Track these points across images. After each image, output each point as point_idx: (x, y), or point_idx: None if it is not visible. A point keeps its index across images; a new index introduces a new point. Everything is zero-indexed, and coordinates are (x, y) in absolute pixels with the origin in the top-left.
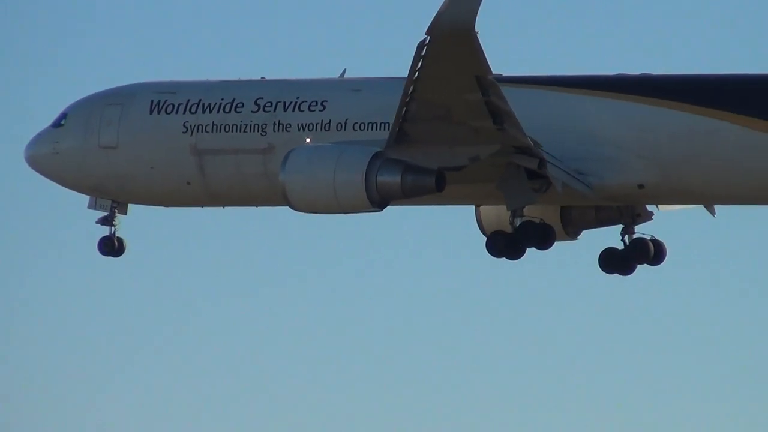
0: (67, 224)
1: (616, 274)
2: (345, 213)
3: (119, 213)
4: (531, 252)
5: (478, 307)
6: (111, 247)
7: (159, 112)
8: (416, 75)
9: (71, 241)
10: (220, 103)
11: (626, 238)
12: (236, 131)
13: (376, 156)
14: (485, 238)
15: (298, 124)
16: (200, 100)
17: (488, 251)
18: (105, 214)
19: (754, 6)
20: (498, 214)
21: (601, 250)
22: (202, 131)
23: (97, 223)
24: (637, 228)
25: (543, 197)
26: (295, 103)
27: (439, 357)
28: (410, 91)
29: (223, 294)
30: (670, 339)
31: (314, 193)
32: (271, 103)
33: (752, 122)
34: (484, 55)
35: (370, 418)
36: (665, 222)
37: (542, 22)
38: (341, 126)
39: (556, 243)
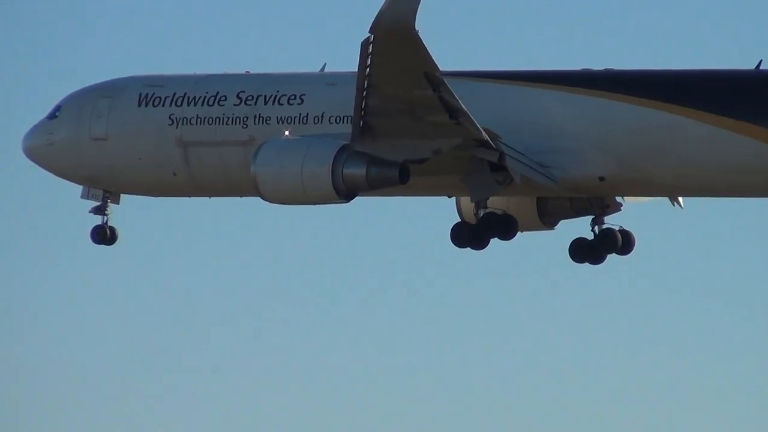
0: (61, 213)
1: (586, 264)
2: (313, 204)
3: (112, 202)
4: (501, 242)
5: (447, 297)
6: (103, 235)
7: (147, 105)
8: (368, 71)
9: (65, 230)
10: (204, 97)
11: (596, 228)
12: (219, 124)
13: (342, 149)
14: (450, 229)
15: (277, 117)
16: (185, 94)
17: (452, 242)
18: (98, 203)
19: (715, 2)
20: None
21: (572, 241)
22: (186, 123)
23: (90, 212)
24: (606, 219)
25: (506, 189)
26: (275, 96)
27: (406, 347)
28: (365, 87)
29: (209, 283)
30: (639, 327)
31: (283, 184)
32: (253, 97)
33: (707, 117)
34: (428, 52)
35: (336, 407)
36: (635, 213)
37: (511, 17)
38: (318, 119)
39: (533, 233)
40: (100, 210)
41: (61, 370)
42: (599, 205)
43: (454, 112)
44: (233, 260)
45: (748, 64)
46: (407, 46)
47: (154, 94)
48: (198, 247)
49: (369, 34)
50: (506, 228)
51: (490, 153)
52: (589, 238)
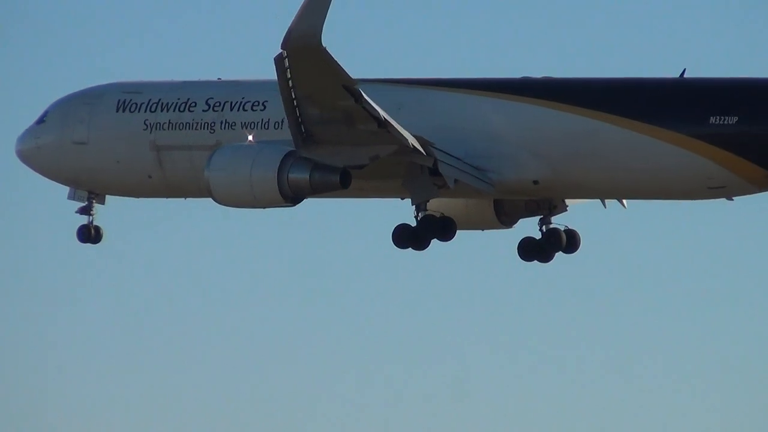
0: (51, 213)
1: (535, 261)
2: (262, 207)
3: (97, 203)
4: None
5: (393, 295)
6: (88, 235)
7: (124, 110)
8: (291, 84)
9: (54, 229)
10: (176, 103)
11: (543, 228)
12: (189, 129)
13: (288, 155)
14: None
15: (241, 123)
16: (159, 100)
17: (394, 243)
18: (83, 204)
19: (649, 14)
20: (440, 205)
21: (520, 240)
22: (160, 129)
23: (76, 212)
24: (553, 219)
25: (445, 192)
26: (240, 103)
27: (350, 344)
28: (293, 98)
29: (182, 280)
30: (585, 322)
31: (233, 188)
32: (220, 103)
33: (631, 123)
34: (338, 65)
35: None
36: (583, 213)
37: (458, 25)
38: (278, 124)
39: (487, 231)
40: (85, 210)
41: (43, 364)
42: (546, 205)
43: (379, 121)
44: (201, 259)
45: (674, 73)
46: (319, 61)
47: (130, 100)
48: (174, 246)
49: (281, 50)
50: (444, 230)
51: (426, 159)
52: (537, 238)
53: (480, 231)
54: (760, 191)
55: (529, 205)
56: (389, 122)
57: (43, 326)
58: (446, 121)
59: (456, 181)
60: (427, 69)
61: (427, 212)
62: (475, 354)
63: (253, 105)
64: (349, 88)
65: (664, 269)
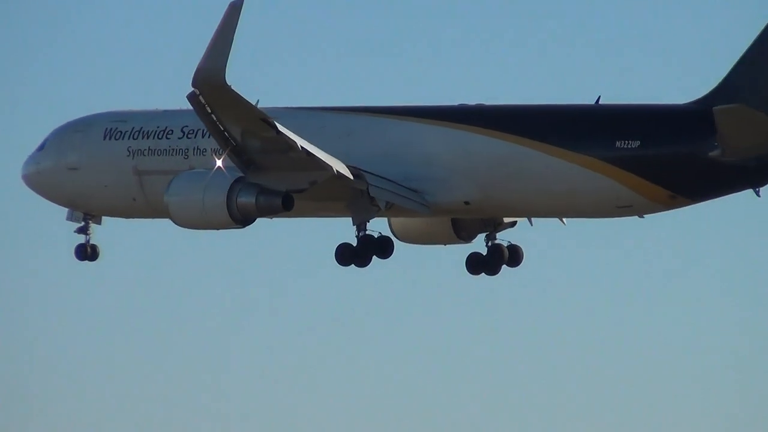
0: (52, 232)
1: (483, 274)
2: (215, 229)
3: (94, 223)
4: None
5: (341, 310)
6: (85, 253)
7: (110, 138)
8: (215, 118)
9: (55, 248)
10: (155, 131)
11: (489, 243)
12: (166, 155)
13: (237, 180)
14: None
15: (211, 149)
16: (141, 128)
17: (336, 260)
18: (80, 224)
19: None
20: (404, 223)
21: (467, 255)
22: (141, 155)
23: (74, 232)
24: (500, 235)
25: (383, 213)
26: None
27: (301, 360)
28: (222, 131)
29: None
30: (532, 330)
31: (188, 212)
32: (193, 131)
33: (549, 148)
34: (245, 102)
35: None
36: (529, 229)
37: (405, 56)
38: None
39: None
40: (82, 230)
41: (41, 366)
42: (491, 223)
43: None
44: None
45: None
46: (228, 98)
47: (116, 128)
48: (162, 263)
49: (192, 89)
50: (381, 248)
51: (360, 183)
52: (483, 253)
53: (443, 246)
54: (667, 210)
55: (485, 222)
56: (309, 150)
57: (42, 333)
58: (389, 147)
59: (388, 203)
60: (379, 97)
61: (366, 232)
62: (422, 361)
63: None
64: (266, 120)
65: (604, 281)
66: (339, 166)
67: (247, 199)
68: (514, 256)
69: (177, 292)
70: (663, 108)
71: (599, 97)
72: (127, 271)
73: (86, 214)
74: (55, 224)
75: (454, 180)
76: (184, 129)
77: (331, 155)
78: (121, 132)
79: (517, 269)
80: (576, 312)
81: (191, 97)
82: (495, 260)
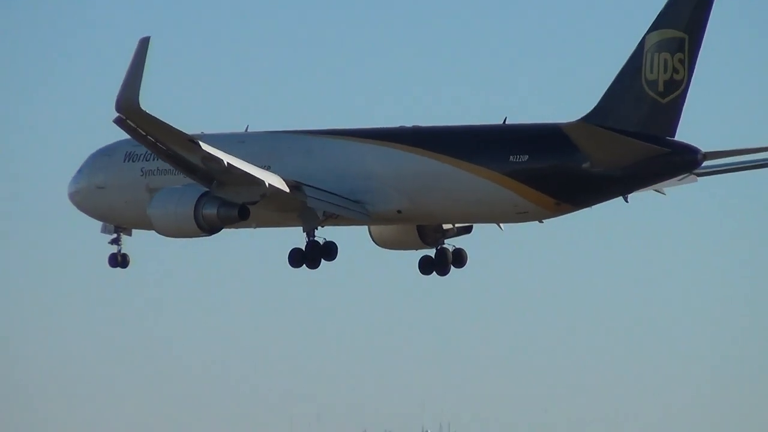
0: (92, 243)
1: (434, 274)
2: (188, 238)
3: (125, 234)
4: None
5: (296, 307)
6: (116, 261)
7: (129, 160)
8: (152, 139)
9: (91, 256)
10: None
11: (437, 247)
12: (170, 174)
13: (204, 194)
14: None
15: None
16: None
17: (289, 263)
18: (113, 236)
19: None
20: (380, 231)
21: (419, 257)
22: (151, 174)
23: (108, 243)
24: (455, 240)
25: (329, 221)
26: None
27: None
28: (165, 150)
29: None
30: (471, 322)
31: (164, 222)
32: None
33: (460, 163)
34: (166, 125)
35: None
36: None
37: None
38: None
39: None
40: (115, 241)
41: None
42: (440, 230)
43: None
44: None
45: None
46: (152, 121)
47: (134, 152)
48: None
49: (118, 114)
50: (326, 252)
51: (300, 195)
52: (432, 256)
53: (414, 251)
54: (556, 215)
55: (437, 229)
56: (235, 166)
57: (73, 329)
58: (333, 164)
59: (326, 213)
60: (324, 120)
61: (313, 238)
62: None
63: None
64: (191, 139)
65: (539, 282)
66: (272, 180)
67: (210, 211)
68: (458, 258)
69: (176, 293)
70: (548, 126)
71: (506, 118)
72: (154, 277)
73: (117, 226)
74: (93, 236)
75: (389, 192)
76: None
77: (291, 171)
78: (138, 155)
79: (463, 269)
80: (510, 303)
81: (118, 122)
82: (441, 262)
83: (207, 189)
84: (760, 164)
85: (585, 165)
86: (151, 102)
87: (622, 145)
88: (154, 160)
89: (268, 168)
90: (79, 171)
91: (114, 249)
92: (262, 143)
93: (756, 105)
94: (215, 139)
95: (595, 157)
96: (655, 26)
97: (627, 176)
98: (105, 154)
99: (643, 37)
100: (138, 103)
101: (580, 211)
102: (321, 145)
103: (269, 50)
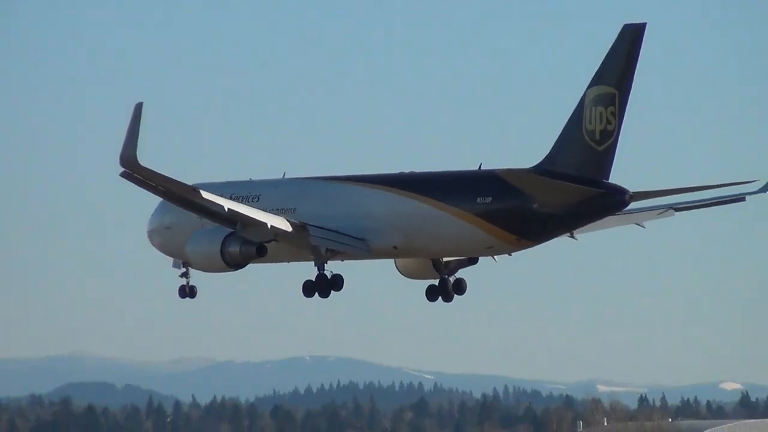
0: (165, 276)
1: (439, 300)
2: (218, 272)
3: (192, 269)
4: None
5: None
6: (185, 293)
7: None
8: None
9: (165, 288)
10: None
11: (441, 277)
12: None
13: (230, 234)
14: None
15: None
16: None
17: (303, 293)
18: (182, 270)
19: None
20: (405, 263)
21: (427, 286)
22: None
23: (179, 276)
24: (462, 271)
25: (338, 256)
26: (247, 197)
27: None
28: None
29: None
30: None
31: (198, 259)
32: (239, 197)
33: (438, 204)
34: (164, 176)
35: None
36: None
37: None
38: (267, 210)
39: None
40: (185, 275)
41: None
42: (444, 263)
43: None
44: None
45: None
46: (151, 175)
47: None
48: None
49: (122, 169)
50: (334, 284)
51: (305, 235)
52: (436, 285)
53: (432, 280)
54: (518, 249)
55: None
56: (235, 211)
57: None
58: (340, 207)
59: (328, 249)
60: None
61: (322, 272)
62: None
63: (251, 198)
64: (193, 188)
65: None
66: (275, 222)
67: (233, 248)
68: (458, 286)
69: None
70: (514, 171)
71: (480, 164)
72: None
73: (185, 262)
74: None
75: (386, 230)
76: (232, 196)
77: (310, 213)
78: None
79: (463, 296)
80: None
81: (125, 176)
82: (443, 290)
83: (233, 230)
84: (729, 200)
85: (534, 205)
86: (170, 156)
87: (559, 189)
88: None
89: (293, 210)
90: (154, 211)
91: (183, 281)
92: (292, 188)
93: (679, 149)
94: (258, 185)
95: (539, 198)
96: (593, 82)
97: (569, 215)
98: None
99: (584, 92)
100: (136, 158)
101: (545, 244)
102: (330, 190)
103: (280, 107)
